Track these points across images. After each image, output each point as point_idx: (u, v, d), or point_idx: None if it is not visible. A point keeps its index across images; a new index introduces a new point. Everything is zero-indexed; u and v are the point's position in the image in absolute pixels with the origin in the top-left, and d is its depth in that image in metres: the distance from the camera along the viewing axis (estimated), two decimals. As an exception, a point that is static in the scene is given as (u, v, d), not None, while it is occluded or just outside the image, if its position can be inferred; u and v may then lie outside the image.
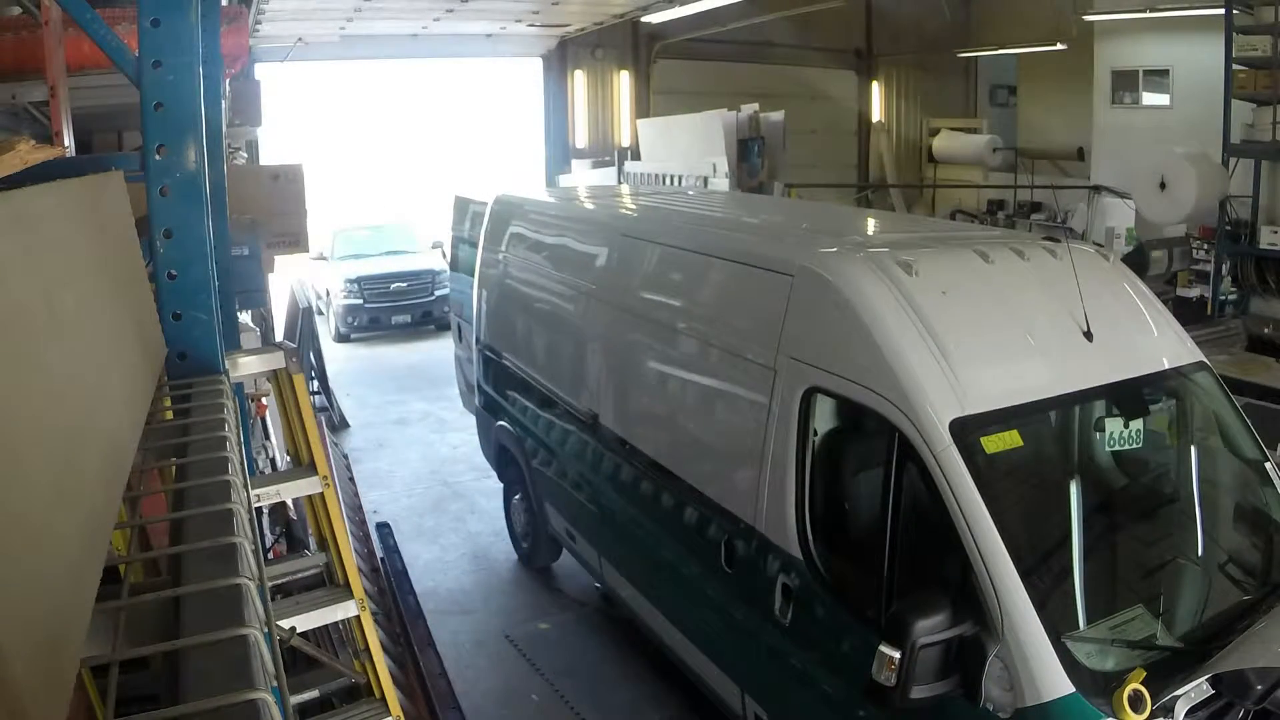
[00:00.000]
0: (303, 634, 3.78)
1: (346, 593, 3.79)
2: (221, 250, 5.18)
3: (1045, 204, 18.60)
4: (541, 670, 7.03)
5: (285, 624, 3.66)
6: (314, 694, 4.01)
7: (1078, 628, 3.98)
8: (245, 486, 2.20)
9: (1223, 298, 12.15)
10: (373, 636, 3.87)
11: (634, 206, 8.27)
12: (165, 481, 2.46)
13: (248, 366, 3.77)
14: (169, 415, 2.83)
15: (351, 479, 10.48)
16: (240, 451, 2.47)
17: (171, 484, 2.29)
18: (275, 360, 3.87)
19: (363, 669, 3.95)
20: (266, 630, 1.66)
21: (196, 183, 2.93)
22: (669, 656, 6.29)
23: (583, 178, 17.11)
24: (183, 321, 3.03)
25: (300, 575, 4.09)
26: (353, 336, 17.73)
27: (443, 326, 17.71)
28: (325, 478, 3.80)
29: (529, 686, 6.84)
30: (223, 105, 6.26)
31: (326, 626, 4.17)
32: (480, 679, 6.89)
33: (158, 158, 2.91)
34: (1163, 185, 11.77)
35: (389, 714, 3.80)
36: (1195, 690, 3.80)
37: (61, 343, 1.74)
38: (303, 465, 4.02)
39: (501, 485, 8.92)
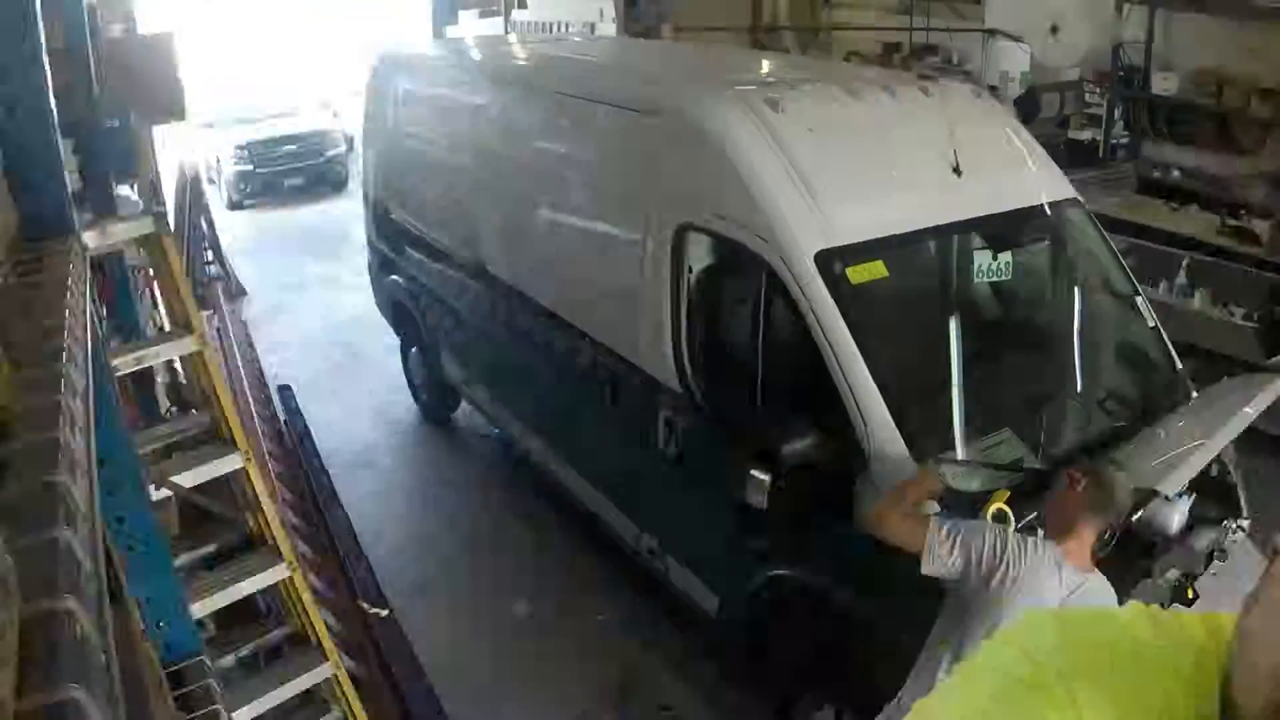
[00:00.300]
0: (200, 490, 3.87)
1: (231, 446, 3.87)
2: (91, 122, 5.04)
3: (940, 46, 18.56)
4: (445, 517, 7.24)
5: (177, 480, 3.75)
6: (210, 549, 4.11)
7: (943, 451, 4.12)
8: (91, 351, 2.14)
9: (1114, 142, 12.36)
10: (260, 486, 3.95)
11: (517, 55, 8.09)
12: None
13: (117, 234, 3.76)
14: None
15: (250, 344, 10.36)
16: (89, 311, 2.44)
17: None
18: (144, 226, 3.85)
19: (255, 521, 4.04)
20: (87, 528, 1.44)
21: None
22: (566, 495, 6.51)
23: (469, 29, 16.50)
24: (31, 189, 2.93)
25: (187, 434, 4.13)
26: (245, 204, 17.18)
27: (336, 187, 17.50)
28: (201, 336, 3.82)
29: (434, 536, 7.03)
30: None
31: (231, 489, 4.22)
32: (386, 531, 7.04)
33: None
34: (1054, 29, 11.86)
35: (282, 559, 3.92)
36: None
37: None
38: (179, 327, 4.06)
39: (399, 341, 8.93)
